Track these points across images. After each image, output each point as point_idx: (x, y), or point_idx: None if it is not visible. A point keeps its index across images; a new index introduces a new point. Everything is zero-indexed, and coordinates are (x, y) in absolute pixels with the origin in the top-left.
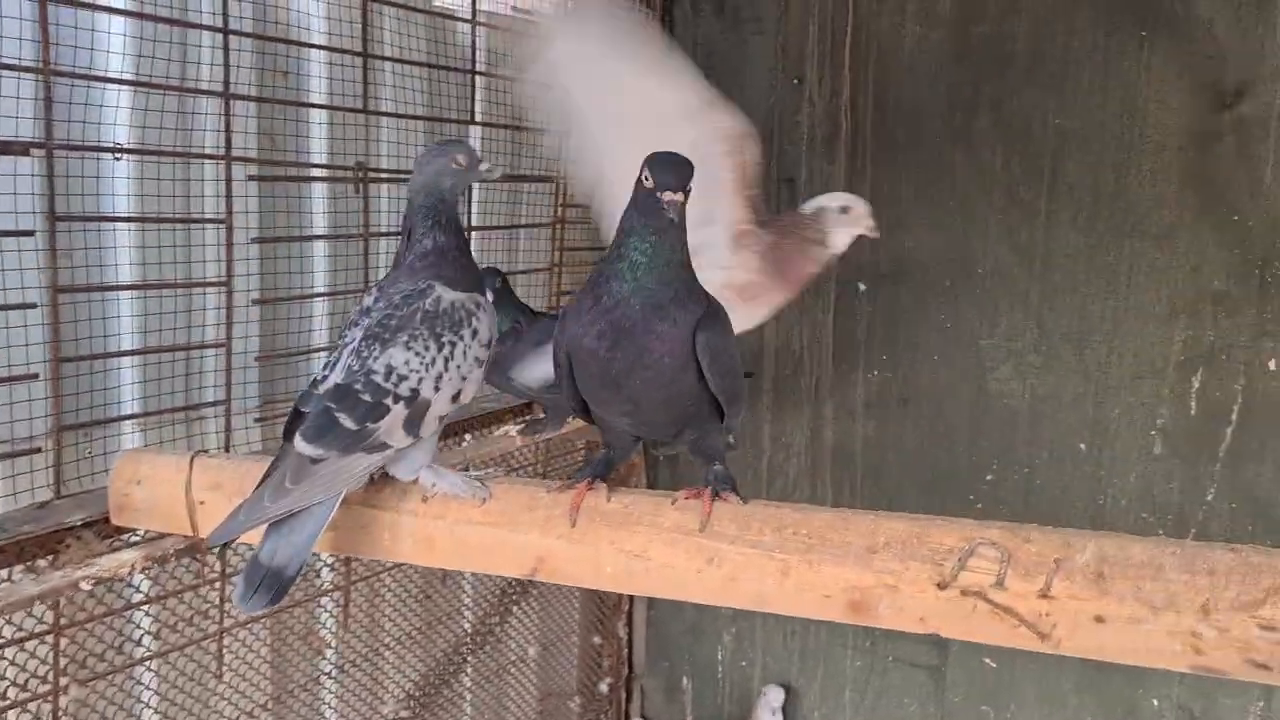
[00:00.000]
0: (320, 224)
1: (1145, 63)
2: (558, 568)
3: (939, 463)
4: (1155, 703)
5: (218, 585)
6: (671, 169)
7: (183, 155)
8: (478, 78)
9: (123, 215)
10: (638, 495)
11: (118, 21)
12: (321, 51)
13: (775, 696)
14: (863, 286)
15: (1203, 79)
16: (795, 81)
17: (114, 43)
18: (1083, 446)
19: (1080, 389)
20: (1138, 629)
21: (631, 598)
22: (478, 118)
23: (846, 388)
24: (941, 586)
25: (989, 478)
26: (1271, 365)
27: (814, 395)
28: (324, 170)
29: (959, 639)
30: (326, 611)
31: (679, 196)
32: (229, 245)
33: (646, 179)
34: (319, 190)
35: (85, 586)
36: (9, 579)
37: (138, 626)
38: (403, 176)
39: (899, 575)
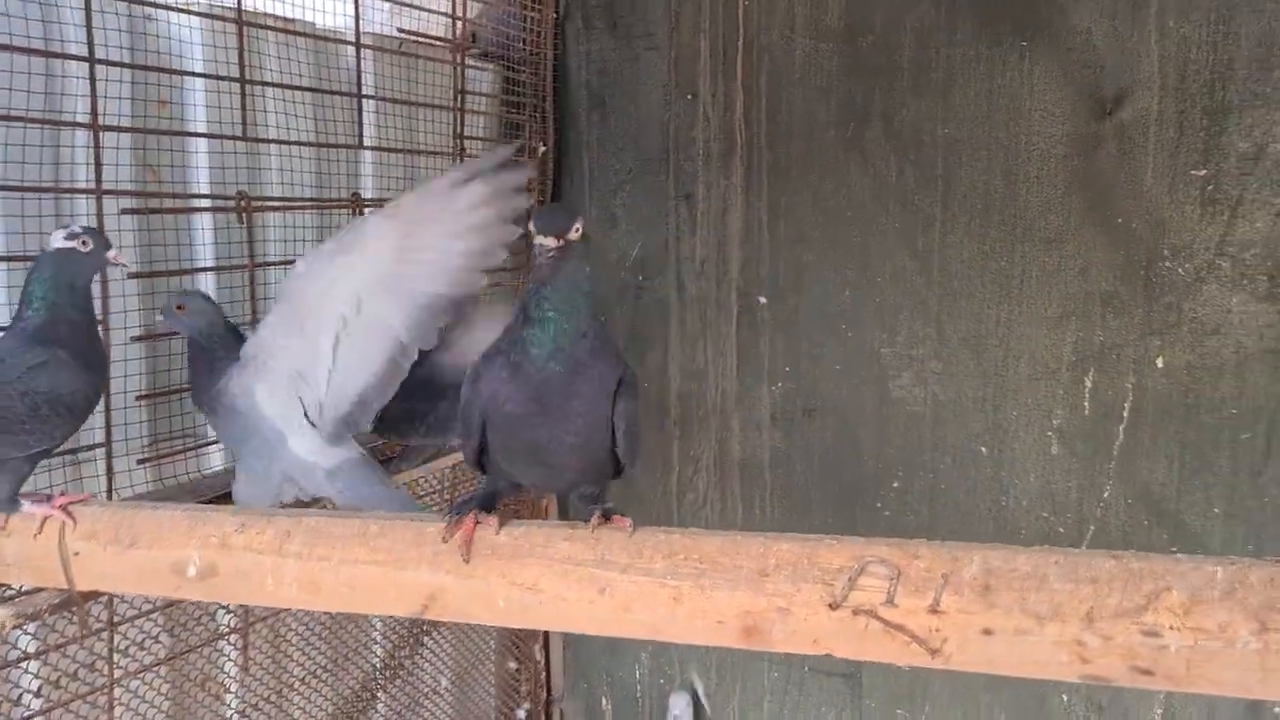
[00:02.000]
0: (206, 255)
1: (1027, 72)
2: (449, 604)
3: (846, 471)
4: (1064, 697)
5: (104, 636)
6: (548, 215)
7: (51, 190)
8: (365, 101)
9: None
10: (529, 526)
11: None
12: (200, 80)
13: (677, 702)
14: (763, 299)
15: (1083, 87)
16: (689, 97)
17: None
18: (984, 449)
19: (979, 393)
20: (1025, 640)
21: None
22: (367, 141)
23: (752, 400)
24: (833, 607)
25: (895, 484)
26: (1159, 363)
27: (720, 409)
28: (206, 200)
29: (852, 659)
30: (225, 656)
31: (552, 241)
32: (104, 282)
33: (531, 229)
34: (204, 221)
35: None
36: None
37: (16, 685)
38: (290, 205)
39: (790, 598)
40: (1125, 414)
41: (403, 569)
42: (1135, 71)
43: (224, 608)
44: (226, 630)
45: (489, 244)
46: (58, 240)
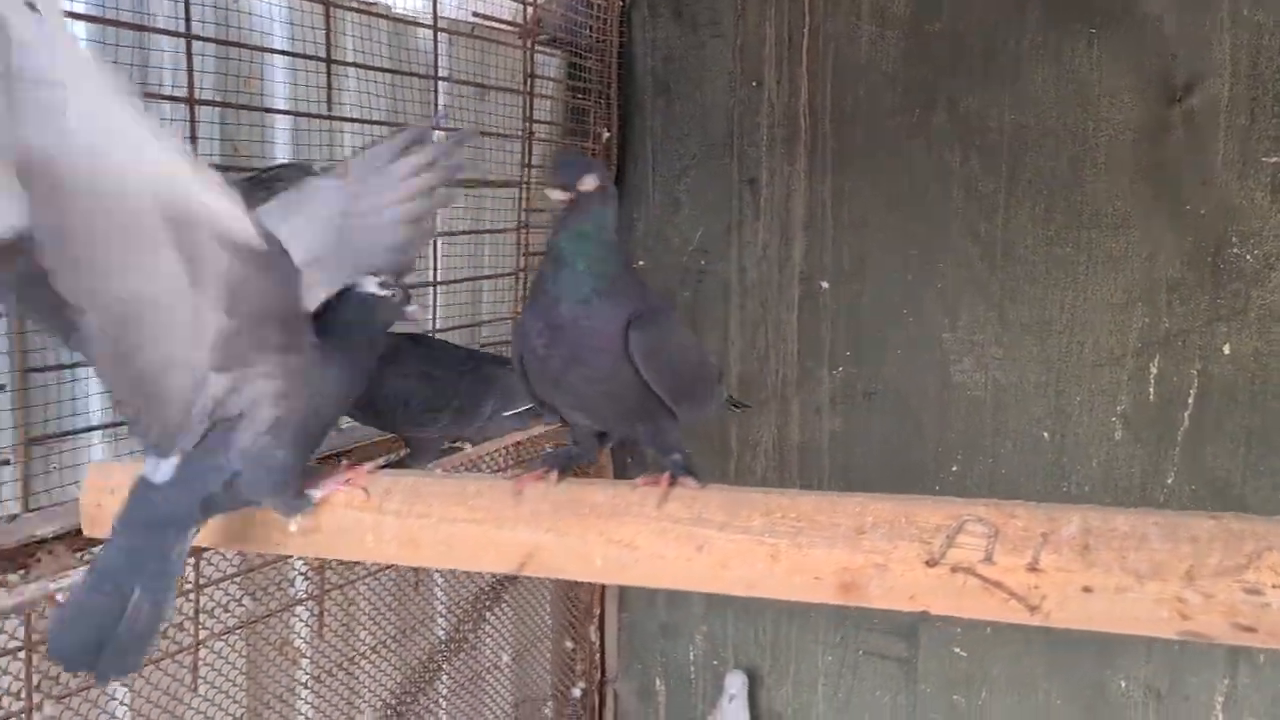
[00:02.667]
0: None
1: (1096, 58)
2: (545, 561)
3: (905, 455)
4: (1123, 683)
5: (192, 596)
6: (557, 169)
7: None
8: (440, 83)
9: None
10: (625, 485)
11: (79, 27)
12: (283, 57)
13: (733, 681)
14: (825, 284)
15: (1152, 73)
16: (754, 84)
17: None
18: (1045, 434)
19: (1042, 378)
20: (1125, 598)
21: (603, 601)
22: (441, 123)
23: (812, 384)
24: (930, 564)
25: (954, 468)
26: (1226, 349)
27: (779, 393)
28: None
29: (949, 614)
30: (301, 621)
31: (559, 194)
32: None
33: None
34: None
35: (60, 599)
36: None
37: None
38: None
39: (888, 554)
40: (1191, 400)
41: (500, 527)
42: (1206, 58)
43: (301, 574)
44: (304, 597)
45: (426, 210)
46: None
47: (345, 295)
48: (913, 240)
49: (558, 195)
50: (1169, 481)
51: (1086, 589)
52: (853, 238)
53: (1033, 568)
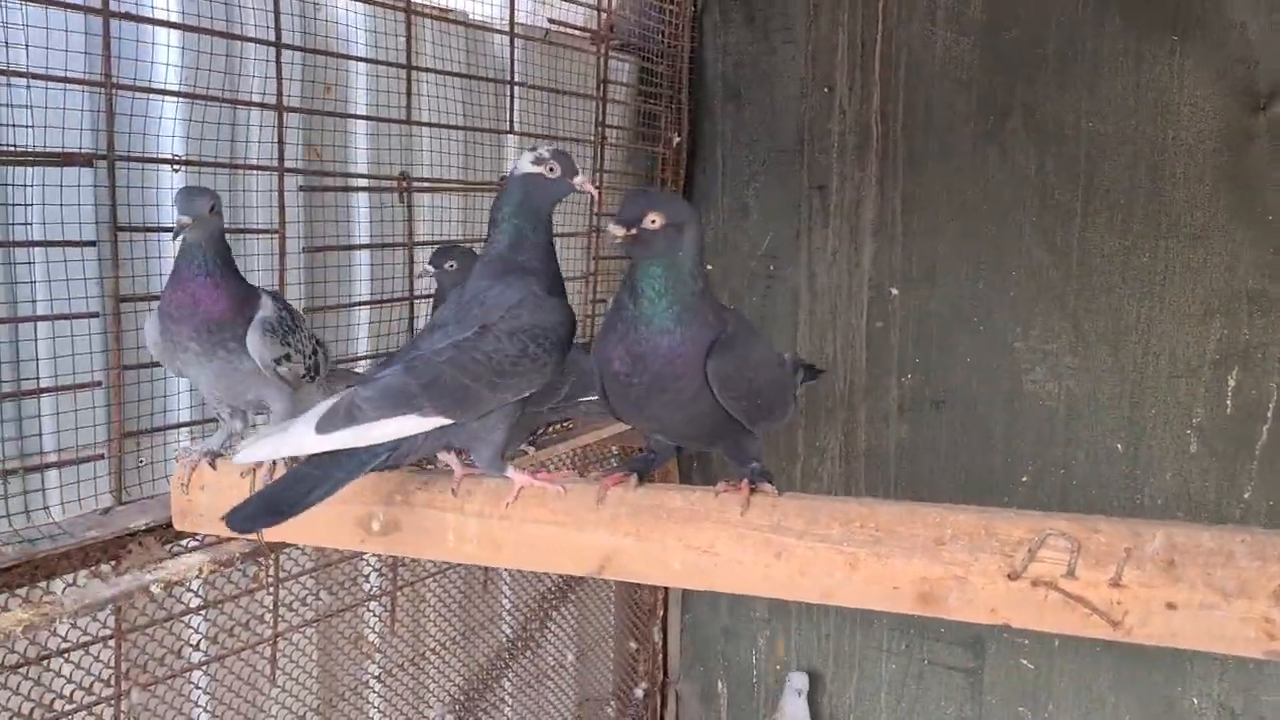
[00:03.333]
0: (363, 233)
1: (1177, 66)
2: (625, 565)
3: (974, 465)
4: (1195, 700)
5: (272, 590)
6: (622, 206)
7: (240, 167)
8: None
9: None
10: (703, 491)
11: (172, 34)
12: (363, 64)
13: (799, 680)
14: (894, 291)
15: (1235, 81)
16: (826, 90)
17: (170, 55)
18: (1119, 446)
19: (1117, 389)
20: (1210, 615)
21: (666, 603)
22: (515, 127)
23: (880, 392)
24: (1012, 577)
25: (1024, 479)
26: None
27: (847, 400)
28: (368, 180)
29: (1030, 629)
30: (374, 616)
31: (620, 230)
32: (282, 255)
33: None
34: (360, 200)
35: (155, 590)
36: (75, 583)
37: (194, 630)
38: (446, 186)
39: (968, 567)
40: (1270, 413)
41: (581, 530)
42: None
43: (376, 569)
44: (377, 593)
45: None
46: (525, 164)
47: (506, 186)
48: (985, 247)
49: (618, 232)
50: (1246, 496)
51: (1170, 605)
52: (923, 244)
53: (1115, 583)
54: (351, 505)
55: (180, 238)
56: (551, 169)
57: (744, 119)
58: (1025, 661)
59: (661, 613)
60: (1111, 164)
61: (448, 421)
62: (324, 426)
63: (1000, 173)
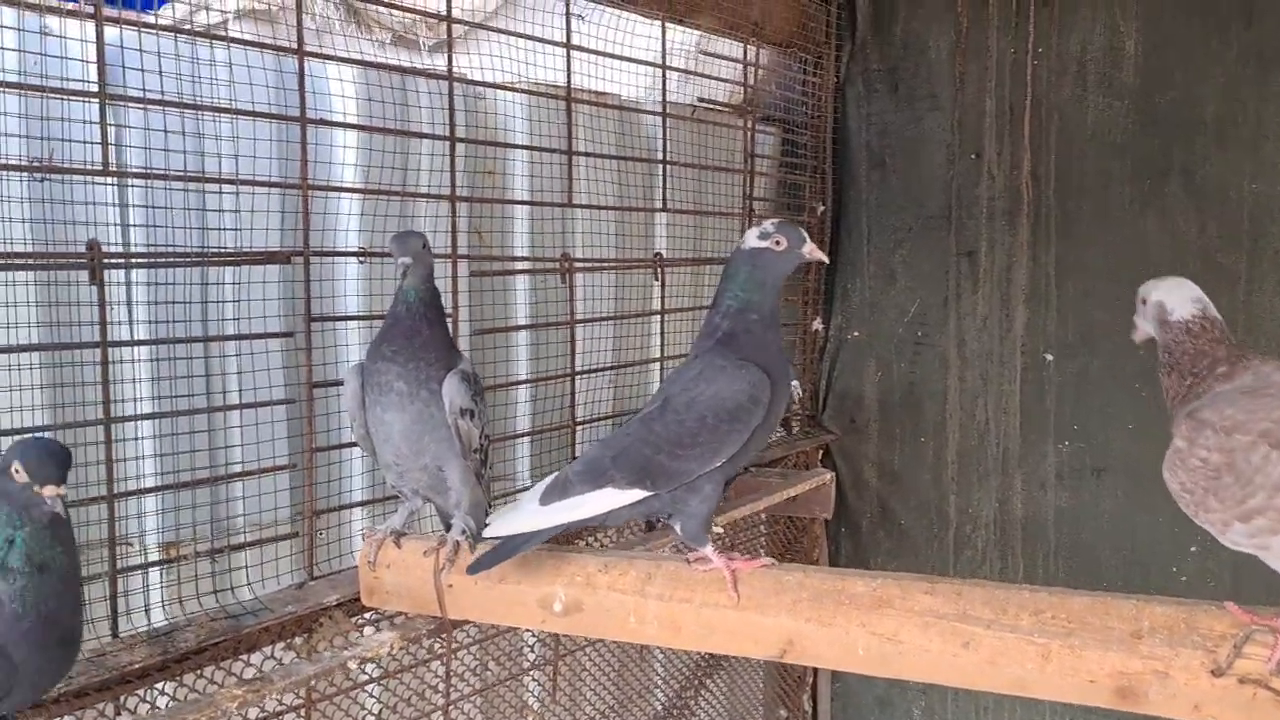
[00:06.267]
0: (522, 314)
1: None
2: (807, 650)
3: (1139, 534)
4: None
5: (444, 661)
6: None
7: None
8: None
9: (365, 315)
10: (885, 578)
11: (351, 135)
12: (523, 150)
13: None
14: (1050, 356)
15: None
16: (974, 156)
17: (348, 155)
18: None
19: None
20: None
21: (816, 671)
22: (666, 204)
23: (1036, 459)
24: (1216, 674)
25: (1193, 549)
26: None
27: (1001, 467)
28: (531, 262)
29: None
30: (536, 683)
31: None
32: (455, 337)
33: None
34: (521, 281)
35: (352, 665)
36: (271, 656)
37: (374, 699)
38: (605, 265)
39: (1169, 661)
40: None
41: (763, 614)
42: None
43: (539, 640)
44: (540, 662)
45: None
46: (751, 240)
47: (733, 260)
48: None
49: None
50: None
51: None
52: (1079, 309)
53: None
54: (534, 585)
55: (403, 277)
56: (778, 242)
57: (889, 186)
58: None
59: (811, 680)
60: (1277, 226)
61: (645, 493)
62: (546, 498)
63: (1159, 236)
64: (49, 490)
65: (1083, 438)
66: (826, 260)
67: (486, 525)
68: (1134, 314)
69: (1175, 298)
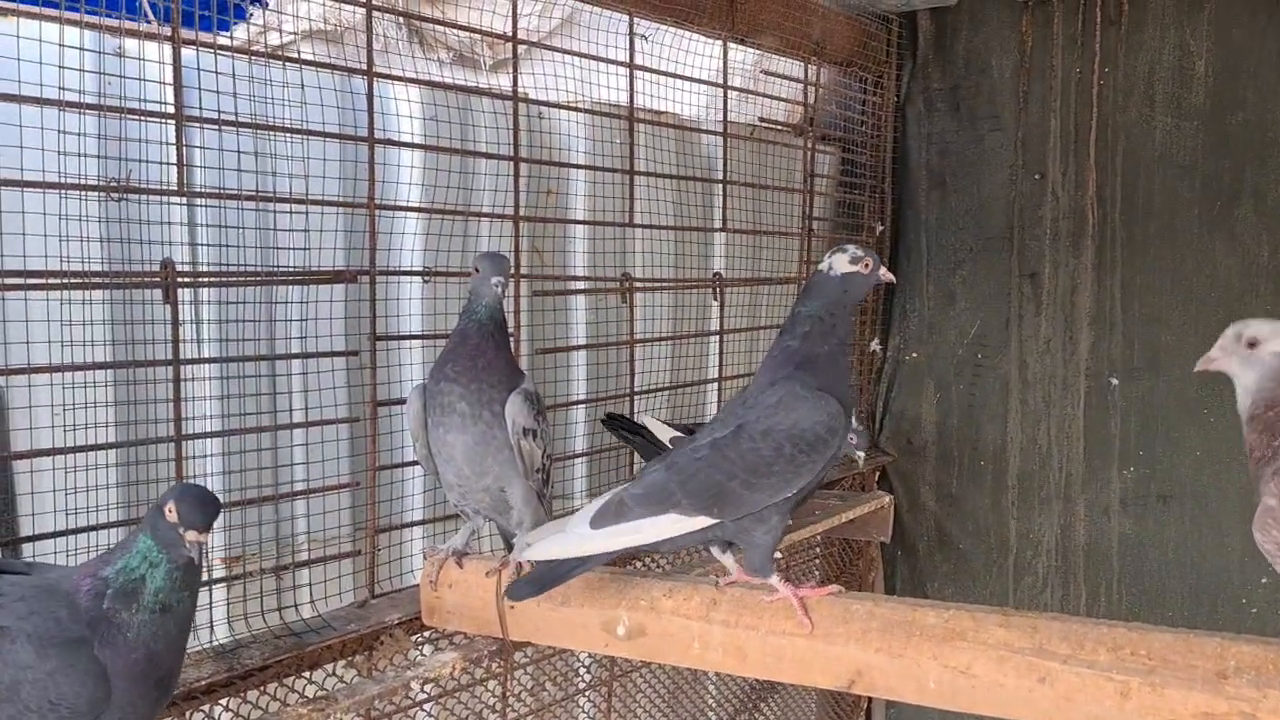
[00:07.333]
0: (581, 334)
1: None
2: (876, 681)
3: (1206, 563)
4: None
5: (501, 681)
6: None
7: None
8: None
9: (429, 334)
10: (957, 610)
11: (416, 155)
12: (583, 170)
13: None
14: (1114, 381)
15: None
16: (1037, 177)
17: (412, 175)
18: None
19: None
20: None
21: (870, 698)
22: (726, 224)
23: (1099, 484)
24: None
25: (1264, 580)
26: None
27: (1064, 492)
28: (592, 281)
29: None
30: (591, 703)
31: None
32: (517, 356)
33: None
34: (580, 300)
35: (415, 685)
36: (333, 673)
37: (430, 716)
38: (664, 285)
39: (1256, 703)
40: None
41: (831, 643)
42: None
43: (595, 660)
44: (595, 683)
45: None
46: (843, 264)
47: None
48: (1212, 335)
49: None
50: None
51: None
52: (1145, 332)
53: None
54: (598, 609)
55: (477, 296)
56: (867, 265)
57: (949, 207)
58: None
59: (865, 706)
60: None
61: (711, 521)
62: (597, 522)
63: (1229, 259)
64: (191, 535)
65: (1148, 464)
66: (894, 280)
67: (528, 546)
68: (1217, 344)
69: None
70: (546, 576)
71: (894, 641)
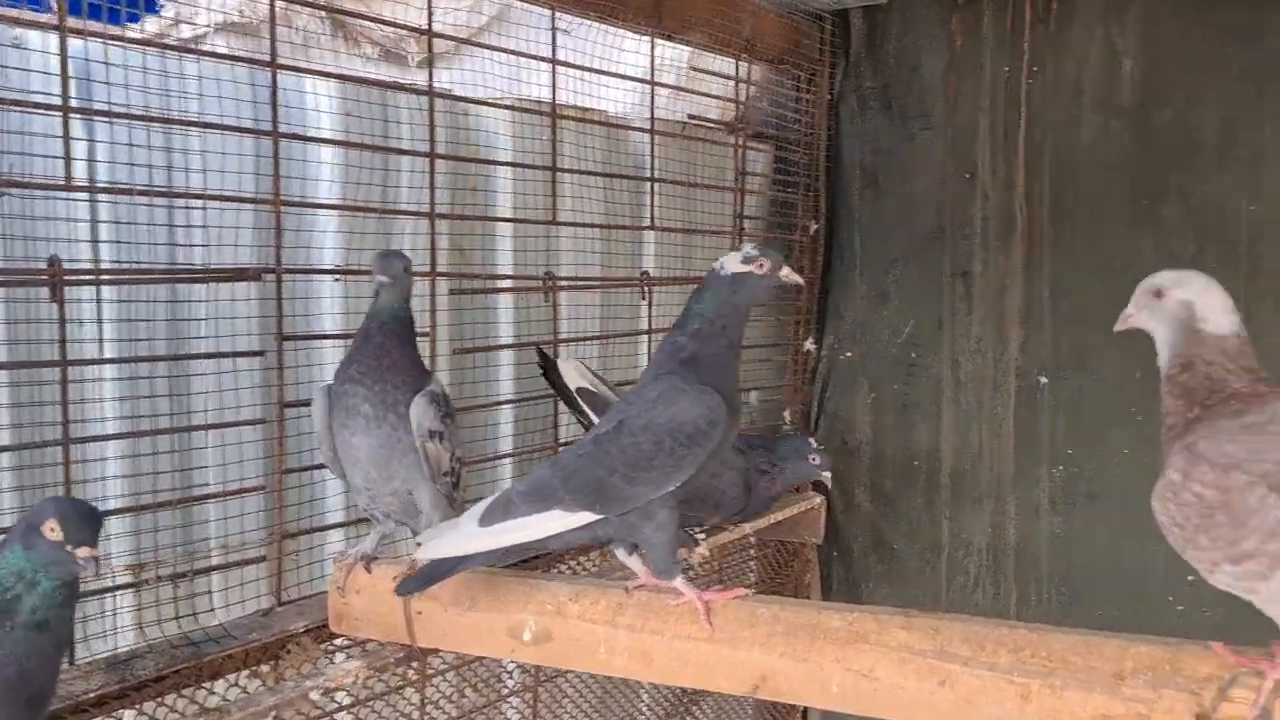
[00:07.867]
0: (506, 333)
1: None
2: (780, 686)
3: (1133, 562)
4: None
5: (418, 689)
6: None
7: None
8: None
9: (339, 333)
10: (861, 612)
11: (330, 151)
12: (507, 168)
13: None
14: (1044, 379)
15: None
16: (967, 176)
17: (326, 171)
18: None
19: None
20: None
21: None
22: (648, 222)
23: (1028, 484)
24: (1201, 718)
25: (1190, 578)
26: None
27: (995, 491)
28: (514, 280)
29: None
30: (516, 711)
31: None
32: (432, 357)
33: None
34: (505, 300)
35: (314, 696)
36: (236, 684)
37: None
38: (590, 284)
39: (1151, 704)
40: None
41: (735, 648)
42: None
43: (521, 667)
44: (520, 689)
45: None
46: (734, 264)
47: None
48: (1141, 334)
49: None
50: None
51: None
52: (1074, 331)
53: None
54: (505, 614)
55: (376, 297)
56: (761, 265)
57: (882, 206)
58: None
59: (802, 710)
60: (1275, 248)
61: (594, 516)
62: (486, 519)
63: (1156, 257)
64: (84, 551)
65: (1076, 463)
66: (802, 283)
67: (418, 545)
68: (1131, 300)
69: (1211, 303)
70: (432, 572)
71: (798, 645)
